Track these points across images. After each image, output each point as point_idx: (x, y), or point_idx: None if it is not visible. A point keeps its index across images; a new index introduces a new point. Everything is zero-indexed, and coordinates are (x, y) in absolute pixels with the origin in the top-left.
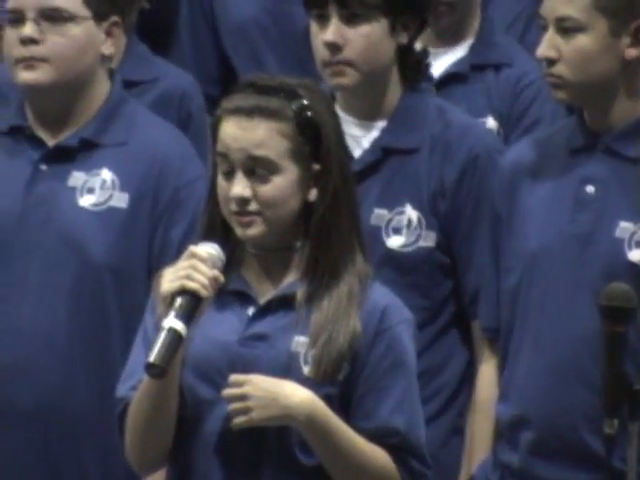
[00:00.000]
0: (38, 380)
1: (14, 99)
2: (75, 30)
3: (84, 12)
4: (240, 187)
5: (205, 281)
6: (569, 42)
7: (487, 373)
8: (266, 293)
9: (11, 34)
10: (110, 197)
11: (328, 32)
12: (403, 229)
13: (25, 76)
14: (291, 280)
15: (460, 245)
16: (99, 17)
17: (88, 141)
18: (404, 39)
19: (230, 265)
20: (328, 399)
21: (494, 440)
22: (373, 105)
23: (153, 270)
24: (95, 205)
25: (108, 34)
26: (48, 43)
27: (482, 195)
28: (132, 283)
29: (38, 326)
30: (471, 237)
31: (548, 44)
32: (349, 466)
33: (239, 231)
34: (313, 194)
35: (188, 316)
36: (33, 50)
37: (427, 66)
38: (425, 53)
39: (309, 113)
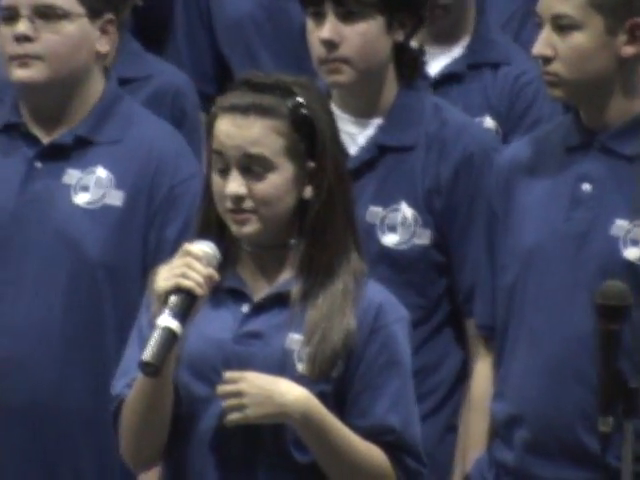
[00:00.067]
0: (33, 377)
1: (9, 96)
2: (69, 27)
3: (78, 9)
4: (235, 185)
5: (200, 279)
6: (565, 40)
7: (482, 371)
8: (261, 291)
9: (5, 31)
10: (105, 195)
11: (324, 29)
12: (398, 227)
13: (19, 74)
14: (286, 278)
15: (455, 243)
16: (93, 14)
17: (83, 139)
18: (400, 37)
19: (225, 263)
20: (323, 397)
21: (489, 438)
22: (369, 103)
23: (148, 268)
24: (90, 203)
25: (103, 31)
26: (42, 41)
27: (477, 193)
28: (127, 281)
29: (33, 323)
30: (466, 235)
31: (544, 42)
32: (344, 464)
33: (234, 229)
34: (308, 191)
35: (183, 314)
36: (27, 48)
37: (423, 64)
38: (421, 51)
39: (304, 111)
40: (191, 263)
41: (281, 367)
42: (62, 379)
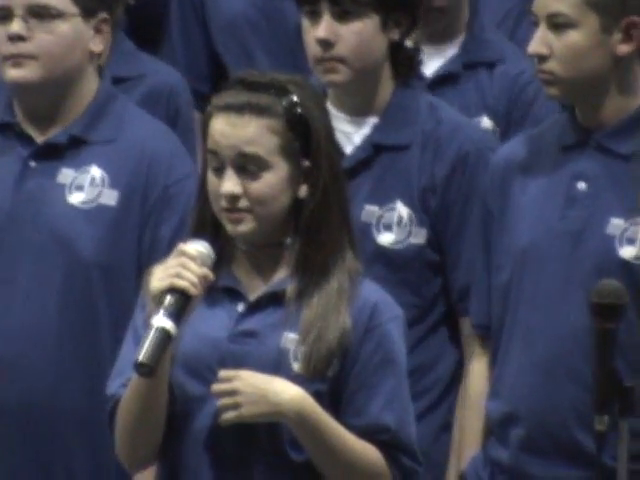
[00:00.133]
0: (27, 376)
1: (3, 96)
2: (63, 27)
3: (72, 9)
4: (230, 184)
5: (194, 279)
6: (560, 38)
7: (478, 370)
8: (256, 290)
9: None
10: (99, 194)
11: (320, 29)
12: (394, 226)
13: (13, 73)
14: (281, 277)
15: (449, 242)
16: (87, 14)
17: (77, 138)
18: (396, 36)
19: (220, 262)
20: (318, 396)
21: (484, 437)
22: (365, 101)
23: (143, 267)
24: (84, 202)
25: (96, 31)
26: (36, 40)
27: (472, 192)
28: (122, 280)
29: (27, 323)
30: (460, 234)
31: (539, 40)
32: (339, 463)
33: (229, 228)
34: (303, 190)
35: (177, 314)
36: (21, 47)
37: (419, 63)
38: (417, 50)
39: (299, 109)
40: (186, 263)
41: (276, 366)
42: (57, 379)
